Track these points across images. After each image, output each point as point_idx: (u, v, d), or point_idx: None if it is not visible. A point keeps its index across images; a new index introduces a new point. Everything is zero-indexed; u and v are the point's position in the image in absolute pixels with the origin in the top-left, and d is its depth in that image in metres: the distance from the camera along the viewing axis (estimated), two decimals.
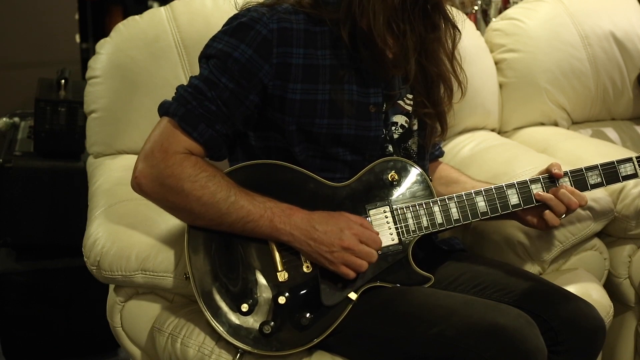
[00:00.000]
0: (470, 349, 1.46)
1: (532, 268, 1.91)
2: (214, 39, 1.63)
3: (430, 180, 1.72)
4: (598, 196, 1.95)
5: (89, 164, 2.14)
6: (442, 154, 1.98)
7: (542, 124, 2.51)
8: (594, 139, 2.47)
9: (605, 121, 2.61)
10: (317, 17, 1.63)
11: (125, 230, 1.76)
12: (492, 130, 2.47)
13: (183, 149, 1.57)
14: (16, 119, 2.90)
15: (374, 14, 1.58)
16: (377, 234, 1.62)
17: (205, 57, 1.63)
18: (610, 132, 2.57)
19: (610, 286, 2.06)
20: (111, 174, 1.99)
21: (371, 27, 1.59)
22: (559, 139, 2.37)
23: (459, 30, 1.72)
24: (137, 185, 1.59)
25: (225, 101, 1.58)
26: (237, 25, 1.61)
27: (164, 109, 1.60)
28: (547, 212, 1.71)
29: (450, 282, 1.72)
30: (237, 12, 1.66)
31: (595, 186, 1.75)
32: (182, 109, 1.58)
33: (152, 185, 1.57)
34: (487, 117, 2.43)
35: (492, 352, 1.45)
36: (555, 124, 2.52)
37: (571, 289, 1.77)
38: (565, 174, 1.74)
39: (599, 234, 2.01)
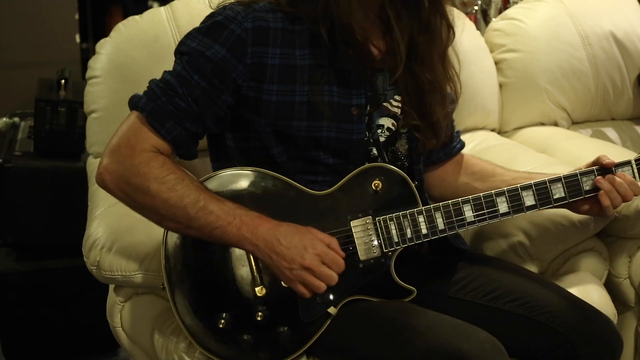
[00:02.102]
0: None
1: (532, 268, 1.91)
2: (188, 36, 1.58)
3: (415, 185, 1.64)
4: None
5: (89, 164, 2.14)
6: (463, 145, 1.88)
7: (542, 124, 2.51)
8: (594, 139, 2.47)
9: (605, 121, 2.61)
10: (295, 15, 1.57)
11: (125, 230, 1.76)
12: (492, 130, 2.46)
13: (150, 146, 1.53)
14: (16, 119, 2.90)
15: (348, 4, 1.52)
16: (344, 256, 1.55)
17: (179, 53, 1.59)
18: (610, 132, 2.57)
19: (610, 286, 2.05)
20: None
21: (350, 20, 1.53)
22: (559, 139, 2.37)
23: (453, 31, 1.66)
24: (102, 181, 1.54)
25: (196, 99, 1.53)
26: (211, 25, 1.56)
27: (134, 103, 1.56)
28: (603, 201, 1.65)
29: (461, 288, 1.69)
30: (212, 10, 1.61)
31: (589, 192, 1.68)
32: (151, 104, 1.53)
33: (118, 183, 1.52)
34: (487, 117, 2.43)
35: None
36: (555, 124, 2.52)
37: (573, 291, 1.75)
38: (559, 179, 1.67)
39: (599, 234, 2.01)
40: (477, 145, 2.31)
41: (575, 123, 2.57)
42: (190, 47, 1.56)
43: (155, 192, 1.50)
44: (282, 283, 1.55)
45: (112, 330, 1.82)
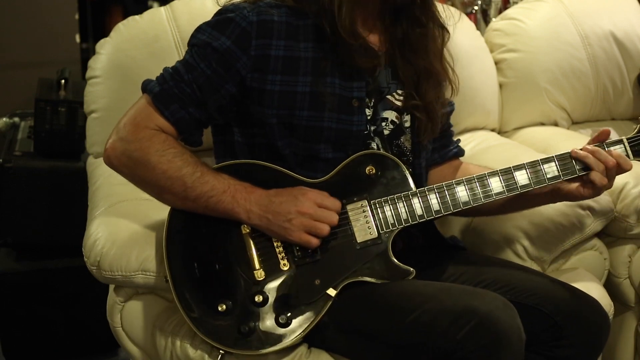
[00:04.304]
0: (444, 332, 1.45)
1: (533, 268, 1.91)
2: (198, 29, 1.67)
3: (409, 171, 1.67)
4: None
5: (89, 164, 2.14)
6: (461, 152, 1.92)
7: (542, 124, 2.51)
8: None
9: (605, 121, 2.61)
10: (300, 10, 1.65)
11: (125, 230, 1.76)
12: (492, 130, 2.47)
13: (154, 125, 1.61)
14: (16, 119, 2.90)
15: (341, 7, 1.61)
16: (336, 200, 1.61)
17: (190, 45, 1.68)
18: (610, 132, 2.56)
19: (610, 286, 2.06)
20: (111, 174, 1.98)
21: (347, 20, 1.61)
22: (559, 139, 2.37)
23: (447, 31, 1.74)
24: (107, 158, 1.64)
25: (200, 86, 1.62)
26: (219, 19, 1.66)
27: (144, 86, 1.65)
28: (592, 173, 1.64)
29: (452, 281, 1.71)
30: (219, 7, 1.69)
31: (582, 171, 1.66)
32: (158, 87, 1.63)
33: (121, 158, 1.61)
34: (487, 117, 2.43)
35: (463, 333, 1.43)
36: (555, 124, 2.52)
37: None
38: (552, 159, 1.67)
39: (599, 234, 2.01)
40: (477, 145, 2.31)
41: (575, 123, 2.57)
42: (200, 39, 1.65)
43: (155, 163, 1.58)
44: (282, 266, 1.58)
45: (112, 330, 1.82)
